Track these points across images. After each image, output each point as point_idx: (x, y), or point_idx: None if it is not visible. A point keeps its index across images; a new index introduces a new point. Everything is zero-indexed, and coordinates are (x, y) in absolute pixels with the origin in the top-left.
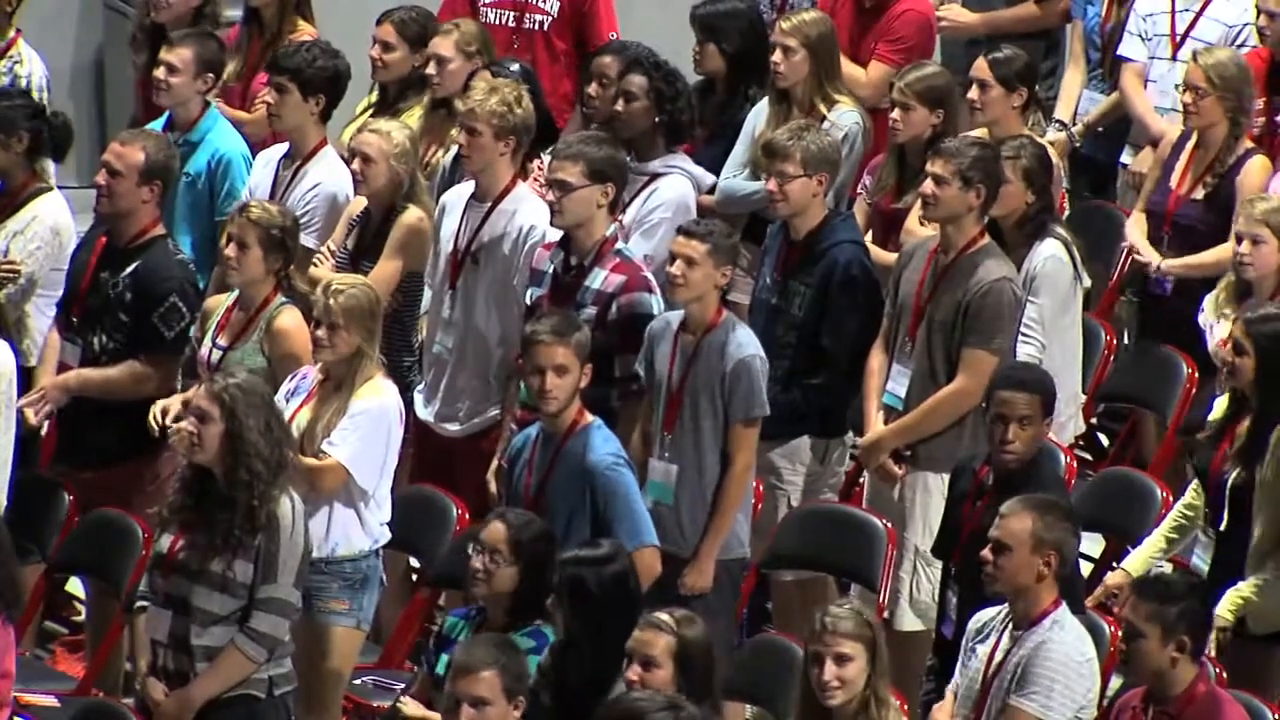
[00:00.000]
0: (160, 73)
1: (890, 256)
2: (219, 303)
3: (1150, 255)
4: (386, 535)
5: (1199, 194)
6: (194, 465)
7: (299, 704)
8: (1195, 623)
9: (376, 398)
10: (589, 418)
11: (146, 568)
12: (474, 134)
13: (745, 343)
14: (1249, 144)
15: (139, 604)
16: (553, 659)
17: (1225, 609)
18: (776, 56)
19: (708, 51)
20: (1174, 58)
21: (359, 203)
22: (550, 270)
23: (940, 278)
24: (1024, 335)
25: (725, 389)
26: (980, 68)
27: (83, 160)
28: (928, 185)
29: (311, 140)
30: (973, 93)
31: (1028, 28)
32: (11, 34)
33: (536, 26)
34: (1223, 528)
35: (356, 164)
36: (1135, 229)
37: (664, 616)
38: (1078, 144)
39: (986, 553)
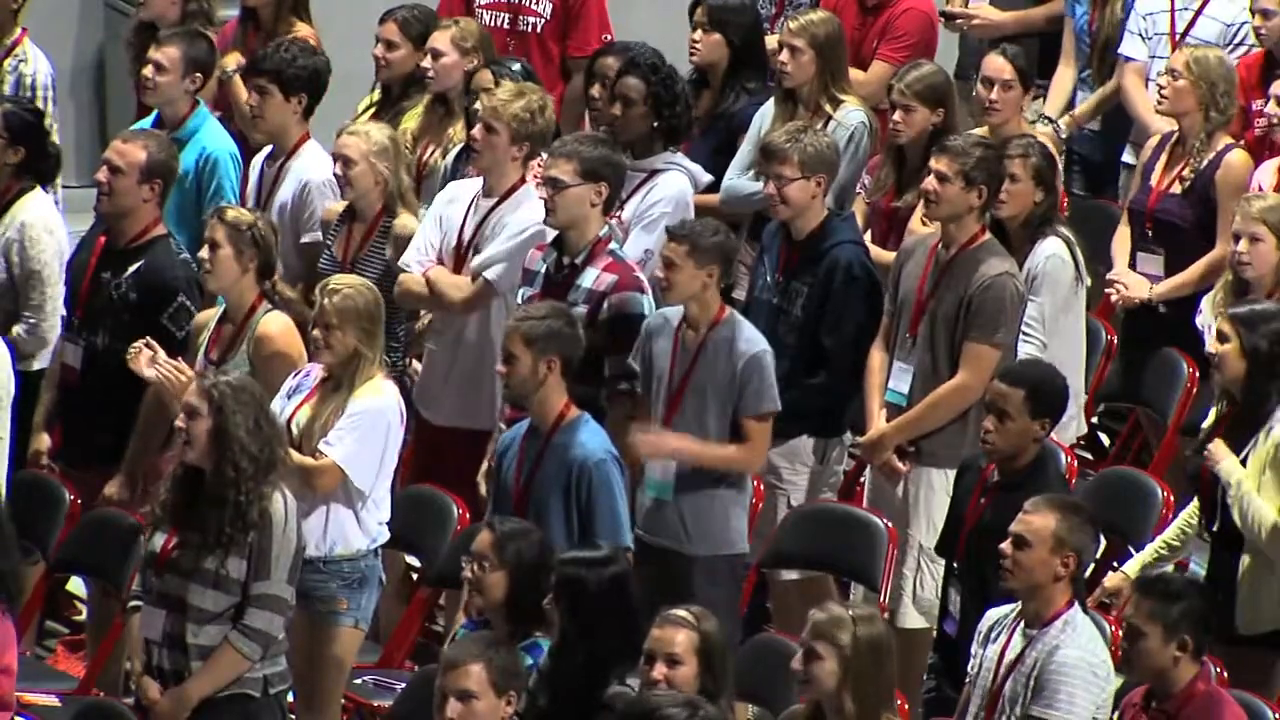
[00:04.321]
0: (148, 71)
1: (890, 256)
2: (208, 318)
3: (1138, 288)
4: (385, 535)
5: (1177, 189)
6: (186, 463)
7: (298, 703)
8: (1197, 622)
9: (375, 398)
10: (575, 411)
11: (140, 567)
12: (491, 132)
13: (753, 339)
14: (1228, 139)
15: (132, 603)
16: (549, 661)
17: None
18: (784, 57)
19: (711, 42)
20: None
21: (334, 210)
22: (542, 269)
23: (942, 274)
24: (1025, 334)
25: (736, 386)
26: (999, 66)
27: (83, 160)
28: (930, 182)
29: (294, 137)
30: (994, 92)
31: (1059, 27)
32: (17, 33)
33: (530, 29)
34: (1215, 528)
35: (338, 168)
36: (1120, 245)
37: (682, 613)
38: (1064, 135)
39: (1006, 546)
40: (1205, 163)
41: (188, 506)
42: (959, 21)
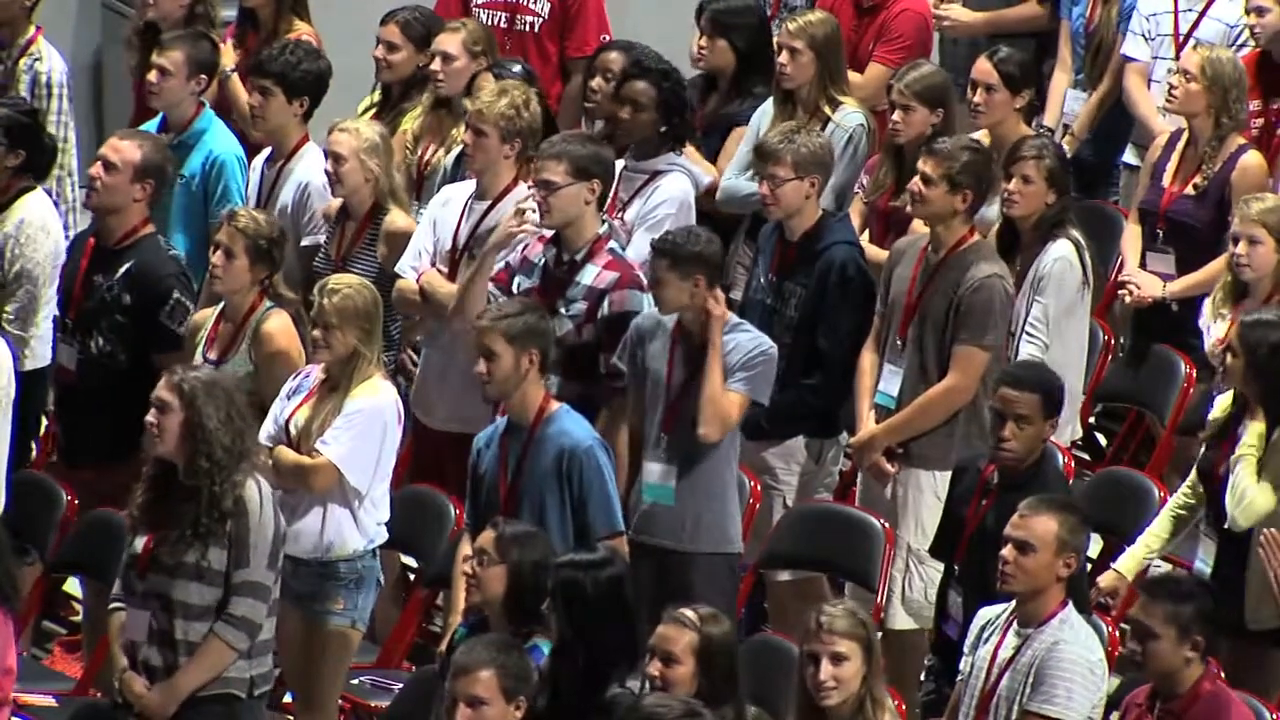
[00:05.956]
0: (152, 76)
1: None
2: (206, 317)
3: (1151, 287)
4: (383, 535)
5: (1191, 190)
6: (158, 461)
7: (296, 703)
8: (1206, 622)
9: (372, 398)
10: (555, 404)
11: (121, 570)
12: (480, 134)
13: (758, 337)
14: (1241, 140)
15: (113, 606)
16: (549, 663)
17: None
18: (783, 58)
19: (717, 47)
20: (1177, 57)
21: (333, 206)
22: (541, 262)
23: (931, 276)
24: (1028, 334)
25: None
26: (985, 70)
27: (81, 160)
28: (915, 183)
29: (293, 139)
30: (978, 96)
31: (1031, 28)
32: (31, 31)
33: (527, 28)
34: (1226, 526)
35: (329, 165)
36: (1131, 245)
37: (688, 613)
38: (1068, 154)
39: (1008, 552)
40: (1219, 165)
41: (163, 503)
42: (931, 23)
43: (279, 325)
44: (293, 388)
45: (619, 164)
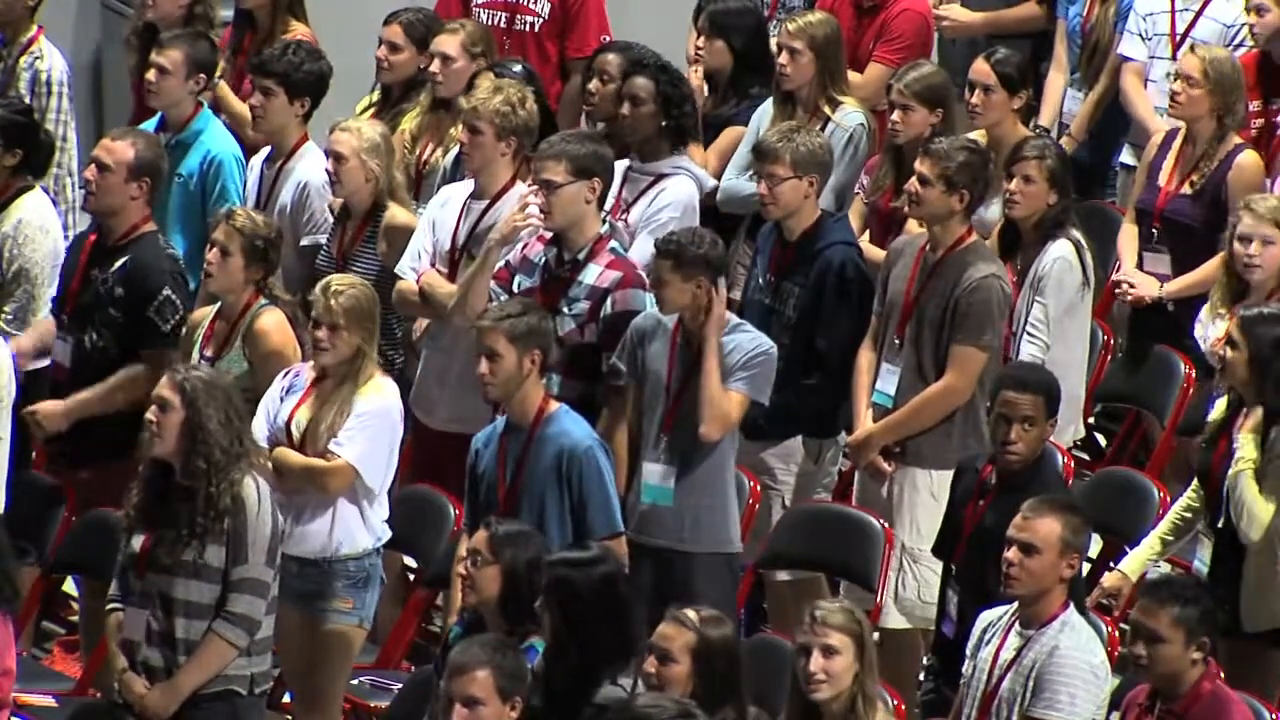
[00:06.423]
0: (151, 75)
1: None
2: (203, 315)
3: (1147, 287)
4: (388, 533)
5: (1187, 190)
6: (153, 462)
7: (296, 703)
8: (1212, 623)
9: (379, 396)
10: (554, 404)
11: (118, 570)
12: (476, 133)
13: (760, 338)
14: (1239, 140)
15: (110, 606)
16: (543, 662)
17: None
18: (783, 59)
19: (714, 48)
20: (1174, 57)
21: (338, 203)
22: (542, 262)
23: (929, 276)
24: (1029, 335)
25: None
26: (983, 71)
27: (81, 160)
28: (912, 183)
29: (293, 138)
30: (975, 96)
31: (1030, 28)
32: (33, 30)
33: (527, 28)
34: (1220, 524)
35: (330, 164)
36: (1127, 244)
37: (690, 613)
38: (1068, 153)
39: (1012, 554)
40: (1216, 164)
41: (159, 504)
42: (932, 23)
43: (273, 322)
44: (285, 386)
45: (623, 164)
